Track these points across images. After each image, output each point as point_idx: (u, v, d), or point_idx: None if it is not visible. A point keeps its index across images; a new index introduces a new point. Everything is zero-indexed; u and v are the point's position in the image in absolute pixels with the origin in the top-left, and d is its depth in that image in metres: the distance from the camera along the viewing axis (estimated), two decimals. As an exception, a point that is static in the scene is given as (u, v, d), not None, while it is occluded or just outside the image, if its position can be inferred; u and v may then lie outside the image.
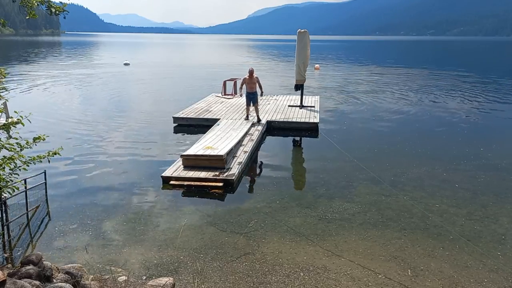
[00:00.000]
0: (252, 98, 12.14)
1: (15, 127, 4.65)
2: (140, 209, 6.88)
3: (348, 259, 5.36)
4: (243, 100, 17.08)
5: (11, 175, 4.26)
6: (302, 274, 5.01)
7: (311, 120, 12.77)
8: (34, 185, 6.78)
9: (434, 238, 5.95)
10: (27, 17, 4.33)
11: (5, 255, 5.34)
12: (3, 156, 4.26)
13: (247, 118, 12.30)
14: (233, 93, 17.55)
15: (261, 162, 9.60)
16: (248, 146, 9.91)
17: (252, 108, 12.44)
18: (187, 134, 12.15)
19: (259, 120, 12.25)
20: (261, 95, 12.65)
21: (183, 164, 8.47)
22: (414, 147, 10.85)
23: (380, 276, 4.99)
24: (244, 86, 12.35)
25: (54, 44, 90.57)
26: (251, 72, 11.89)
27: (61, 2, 4.42)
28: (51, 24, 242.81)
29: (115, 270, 4.92)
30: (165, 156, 9.87)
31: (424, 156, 10.00)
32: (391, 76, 29.45)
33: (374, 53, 73.51)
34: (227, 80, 18.06)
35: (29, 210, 6.42)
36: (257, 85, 12.09)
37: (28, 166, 4.32)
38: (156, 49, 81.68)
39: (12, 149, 4.27)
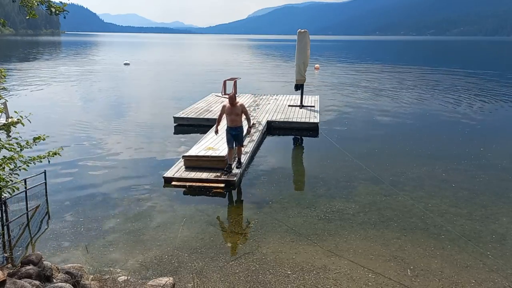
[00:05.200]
0: (235, 136, 8.13)
1: (15, 127, 4.65)
2: (141, 209, 6.88)
3: (348, 259, 5.36)
4: (243, 100, 16.75)
5: (11, 175, 4.26)
6: (302, 274, 5.01)
7: (311, 120, 12.77)
8: (34, 185, 6.78)
9: (434, 238, 5.95)
10: (27, 17, 4.34)
11: (5, 255, 5.34)
12: (3, 156, 4.26)
13: (227, 170, 8.13)
14: (233, 92, 17.54)
15: (262, 163, 9.59)
16: (249, 146, 9.89)
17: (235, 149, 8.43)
18: (187, 134, 12.14)
19: (239, 163, 8.42)
20: (248, 132, 8.41)
21: (184, 165, 8.47)
22: (414, 147, 10.85)
23: (380, 276, 4.99)
24: (224, 118, 8.35)
25: (54, 44, 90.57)
26: (232, 99, 8.06)
27: (61, 2, 4.42)
28: (51, 24, 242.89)
29: (115, 270, 4.92)
30: (166, 156, 9.87)
31: (424, 156, 10.00)
32: (391, 76, 29.45)
33: (374, 53, 73.50)
34: (227, 80, 18.05)
35: (29, 210, 6.42)
36: (242, 117, 8.23)
37: (28, 166, 4.33)
38: (156, 49, 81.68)
39: (12, 149, 4.27)
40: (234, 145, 8.21)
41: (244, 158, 8.97)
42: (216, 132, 8.45)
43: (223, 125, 8.47)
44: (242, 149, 8.69)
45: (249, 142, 10.30)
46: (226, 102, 8.17)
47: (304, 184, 8.38)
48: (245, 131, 8.34)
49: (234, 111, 8.05)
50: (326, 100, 17.76)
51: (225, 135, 8.28)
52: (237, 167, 8.37)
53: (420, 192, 7.68)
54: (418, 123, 14.11)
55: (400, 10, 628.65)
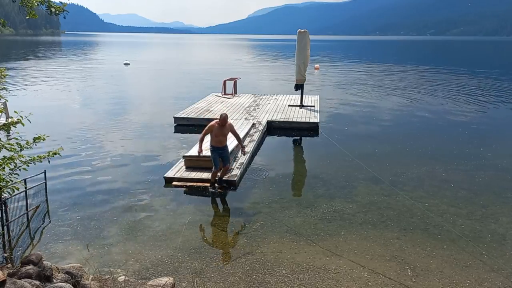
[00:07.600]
0: (222, 155, 7.52)
1: (15, 127, 4.65)
2: (141, 209, 6.88)
3: (348, 259, 5.36)
4: (243, 100, 16.80)
5: (11, 175, 4.26)
6: (302, 274, 5.01)
7: (312, 120, 12.77)
8: (34, 185, 6.78)
9: (434, 238, 5.95)
10: (27, 17, 4.35)
11: (5, 255, 5.34)
12: (3, 156, 4.26)
13: (212, 187, 7.69)
14: (233, 92, 17.58)
15: (262, 163, 9.59)
16: (249, 147, 9.90)
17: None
18: (188, 134, 12.14)
19: (221, 181, 7.80)
20: (243, 152, 7.94)
21: (185, 165, 8.48)
22: (414, 147, 10.85)
23: (380, 276, 4.99)
24: (209, 138, 7.64)
25: (54, 44, 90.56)
26: (223, 120, 7.42)
27: (61, 2, 4.43)
28: (51, 24, 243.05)
29: (115, 270, 4.92)
30: (166, 156, 9.87)
31: (424, 156, 10.00)
32: (391, 76, 29.45)
33: (374, 53, 73.49)
34: (227, 80, 18.07)
35: (29, 210, 6.42)
36: (231, 136, 7.71)
37: (28, 166, 4.33)
38: (156, 49, 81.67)
39: (12, 149, 4.27)
40: (220, 164, 7.53)
41: (244, 158, 8.97)
42: (200, 152, 7.46)
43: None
44: (230, 166, 8.04)
45: (249, 142, 10.31)
46: (214, 122, 7.51)
47: (304, 184, 8.38)
48: (231, 149, 7.98)
49: (223, 131, 7.46)
50: (326, 100, 17.75)
51: (210, 154, 7.55)
52: (218, 184, 7.77)
53: (420, 192, 7.68)
54: (418, 123, 14.11)
55: (400, 10, 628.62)
